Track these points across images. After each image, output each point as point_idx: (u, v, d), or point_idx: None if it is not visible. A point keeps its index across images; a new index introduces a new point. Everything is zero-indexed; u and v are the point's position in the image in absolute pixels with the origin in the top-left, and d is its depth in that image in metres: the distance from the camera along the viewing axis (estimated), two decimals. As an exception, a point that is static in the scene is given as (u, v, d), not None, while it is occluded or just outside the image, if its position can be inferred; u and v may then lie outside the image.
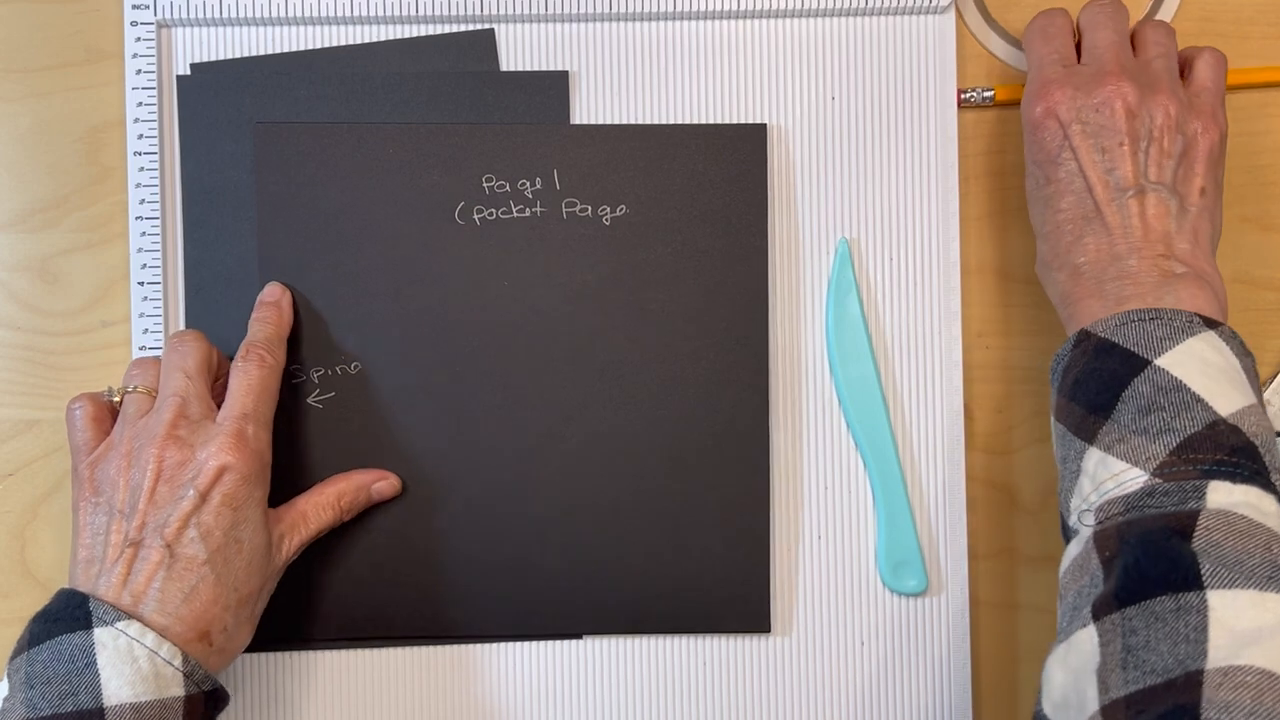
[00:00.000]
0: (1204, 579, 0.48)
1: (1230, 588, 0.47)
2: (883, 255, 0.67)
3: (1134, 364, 0.54)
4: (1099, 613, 0.50)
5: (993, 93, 0.67)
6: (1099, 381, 0.55)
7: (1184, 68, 0.62)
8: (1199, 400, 0.53)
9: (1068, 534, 0.56)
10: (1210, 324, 0.55)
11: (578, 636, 0.66)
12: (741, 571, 0.65)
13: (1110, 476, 0.53)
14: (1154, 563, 0.49)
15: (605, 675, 0.66)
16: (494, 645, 0.66)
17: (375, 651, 0.65)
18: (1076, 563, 0.53)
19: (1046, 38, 0.62)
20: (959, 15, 0.68)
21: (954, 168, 0.66)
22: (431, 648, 0.66)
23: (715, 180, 0.65)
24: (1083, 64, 0.61)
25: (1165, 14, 0.68)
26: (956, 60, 0.67)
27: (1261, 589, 0.47)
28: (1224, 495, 0.50)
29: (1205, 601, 0.47)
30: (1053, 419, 0.58)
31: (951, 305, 0.66)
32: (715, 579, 0.65)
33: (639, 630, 0.66)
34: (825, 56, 0.67)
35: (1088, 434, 0.54)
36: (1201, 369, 0.54)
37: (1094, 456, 0.54)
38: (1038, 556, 0.68)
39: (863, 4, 0.66)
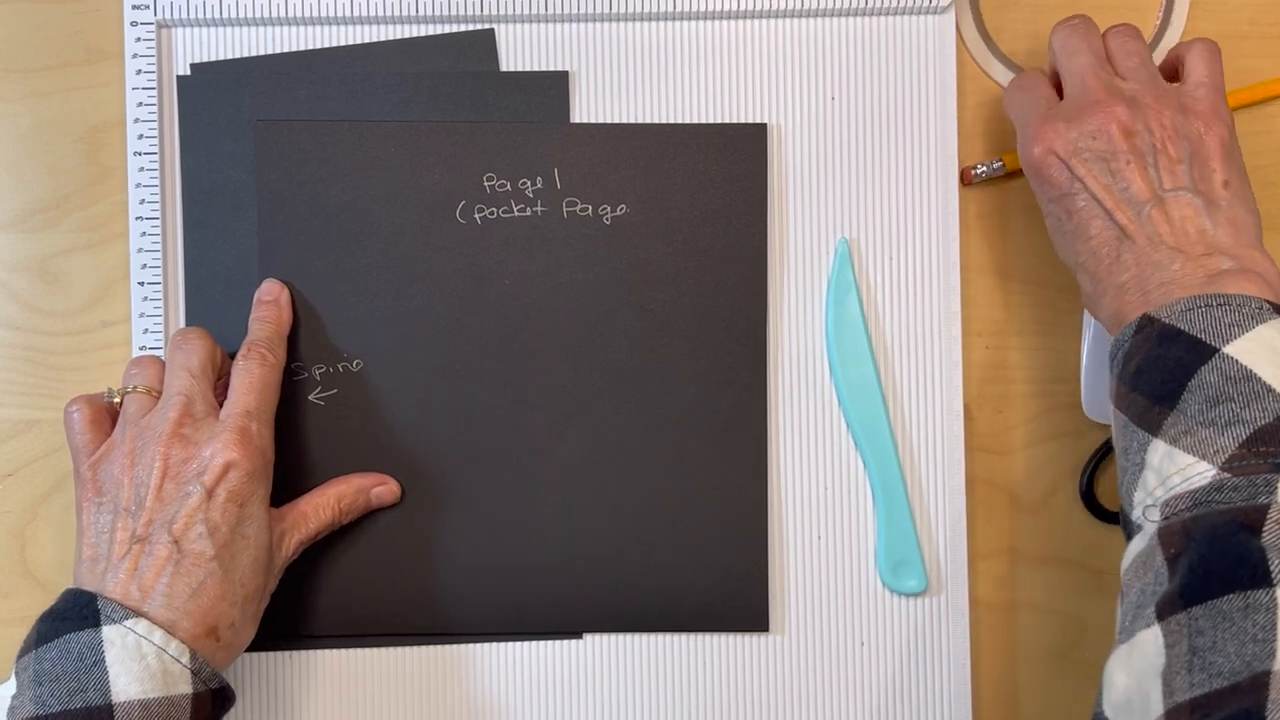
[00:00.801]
0: (1274, 576, 0.45)
1: None
2: (883, 255, 0.67)
3: (1201, 352, 0.52)
4: (1164, 613, 0.48)
5: (1002, 163, 0.67)
6: (1163, 370, 0.53)
7: (1177, 65, 0.61)
8: (1270, 391, 0.51)
9: (1130, 529, 0.54)
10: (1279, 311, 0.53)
11: (577, 635, 0.66)
12: (741, 571, 0.65)
13: (1176, 471, 0.51)
14: (1221, 559, 0.47)
15: (605, 674, 0.66)
16: (494, 644, 0.66)
17: (375, 650, 0.65)
18: (1140, 559, 0.51)
19: (1024, 88, 0.61)
20: (959, 37, 0.68)
21: (954, 167, 0.66)
22: (431, 647, 0.66)
23: (715, 180, 0.65)
24: (1066, 96, 0.60)
25: (1178, 17, 0.68)
26: (956, 83, 0.67)
27: None
28: None
29: (1275, 599, 0.45)
30: (1112, 407, 0.55)
31: (951, 305, 0.66)
32: (714, 578, 0.65)
33: (639, 629, 0.66)
34: (825, 56, 0.67)
35: (1152, 425, 0.52)
36: (1271, 358, 0.51)
37: (1159, 449, 0.52)
38: (1038, 556, 0.68)
39: (863, 4, 0.66)
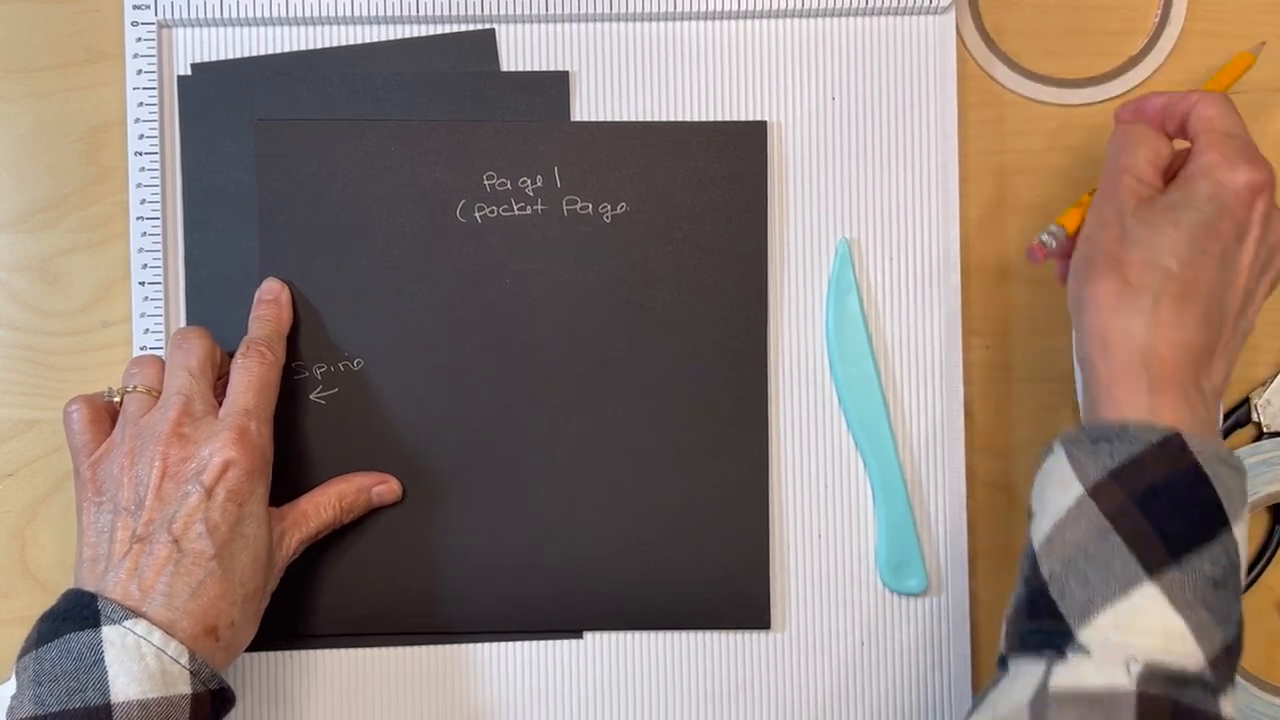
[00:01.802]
0: None
1: None
2: (883, 255, 0.67)
3: (1219, 519, 0.49)
4: None
5: (1063, 229, 0.60)
6: (1187, 517, 0.49)
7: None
8: (1238, 595, 0.50)
9: (1060, 633, 0.50)
10: None
11: (578, 634, 0.66)
12: (742, 569, 0.65)
13: (1166, 636, 0.48)
14: None
15: (605, 672, 0.66)
16: (494, 644, 0.66)
17: (376, 650, 0.65)
18: (1097, 699, 0.48)
19: (1234, 116, 0.57)
20: (959, 37, 0.68)
21: (954, 168, 0.66)
22: (432, 647, 0.66)
23: (716, 178, 0.65)
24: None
25: (1176, 15, 0.68)
26: (956, 83, 0.67)
27: None
28: (1232, 709, 0.48)
29: None
30: (1084, 492, 0.50)
31: (951, 305, 0.66)
32: (715, 576, 0.65)
33: (639, 627, 0.66)
34: (825, 56, 0.67)
35: (1150, 563, 0.49)
36: (1241, 558, 0.51)
37: (1148, 593, 0.49)
38: (1038, 556, 0.68)
39: (863, 4, 0.66)
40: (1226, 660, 0.49)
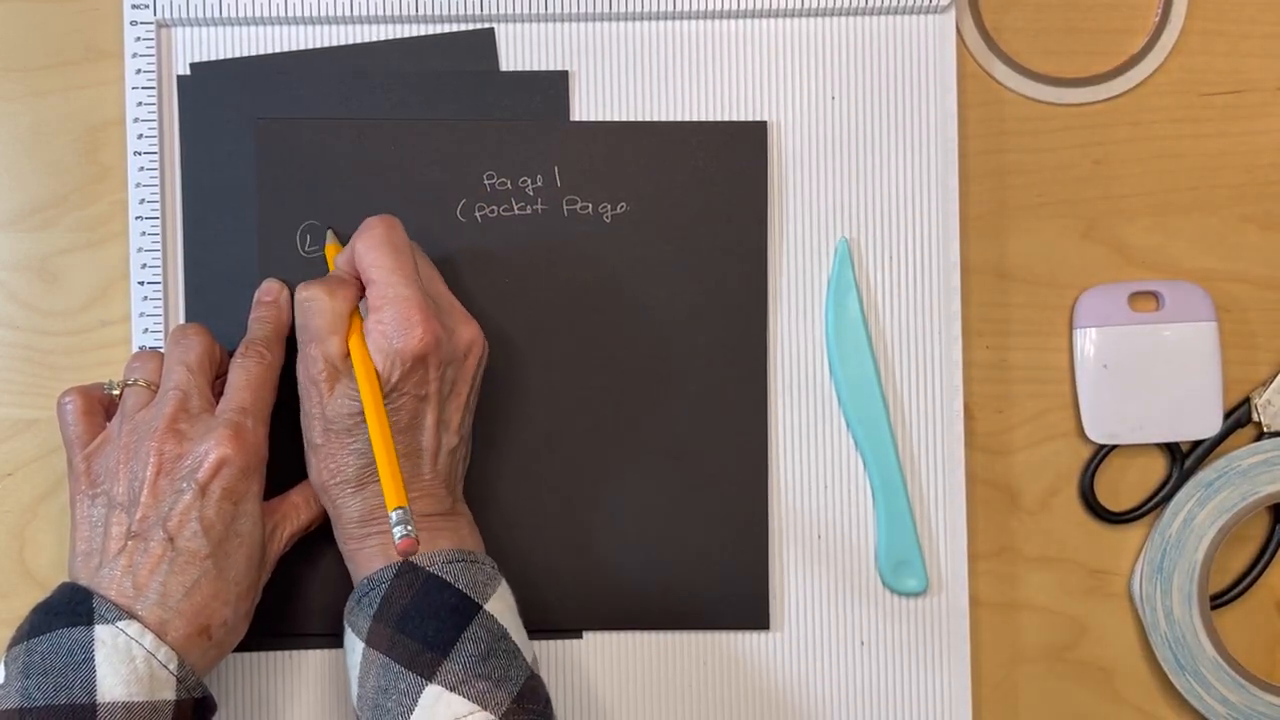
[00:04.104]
0: None
1: None
2: (883, 255, 0.67)
3: (469, 606, 0.57)
4: None
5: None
6: (437, 619, 0.56)
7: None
8: (518, 652, 0.57)
9: None
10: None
11: (577, 634, 0.66)
12: (741, 569, 0.65)
13: (455, 717, 0.54)
14: None
15: (605, 672, 0.66)
16: (494, 645, 0.66)
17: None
18: None
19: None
20: (959, 36, 0.68)
21: (954, 168, 0.66)
22: (431, 647, 0.66)
23: (716, 178, 0.65)
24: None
25: (1176, 15, 0.68)
26: (956, 83, 0.67)
27: None
28: None
29: None
30: (364, 645, 0.57)
31: (951, 305, 0.66)
32: (715, 576, 0.65)
33: (639, 627, 0.65)
34: (825, 56, 0.67)
35: (424, 670, 0.55)
36: (512, 619, 0.58)
37: (432, 692, 0.55)
38: (1038, 556, 0.68)
39: (863, 4, 0.66)
40: (521, 706, 0.55)
